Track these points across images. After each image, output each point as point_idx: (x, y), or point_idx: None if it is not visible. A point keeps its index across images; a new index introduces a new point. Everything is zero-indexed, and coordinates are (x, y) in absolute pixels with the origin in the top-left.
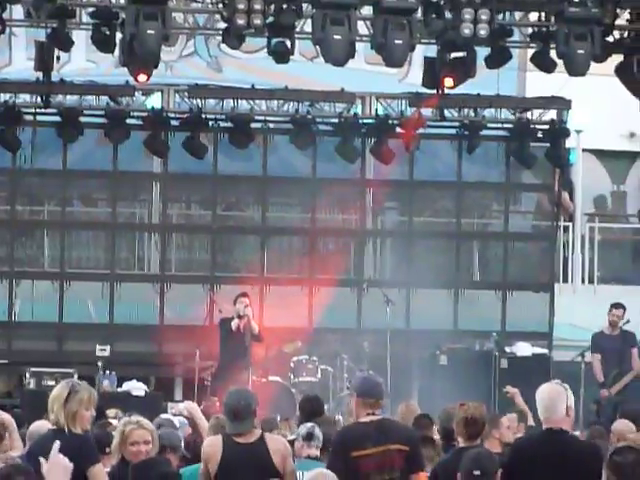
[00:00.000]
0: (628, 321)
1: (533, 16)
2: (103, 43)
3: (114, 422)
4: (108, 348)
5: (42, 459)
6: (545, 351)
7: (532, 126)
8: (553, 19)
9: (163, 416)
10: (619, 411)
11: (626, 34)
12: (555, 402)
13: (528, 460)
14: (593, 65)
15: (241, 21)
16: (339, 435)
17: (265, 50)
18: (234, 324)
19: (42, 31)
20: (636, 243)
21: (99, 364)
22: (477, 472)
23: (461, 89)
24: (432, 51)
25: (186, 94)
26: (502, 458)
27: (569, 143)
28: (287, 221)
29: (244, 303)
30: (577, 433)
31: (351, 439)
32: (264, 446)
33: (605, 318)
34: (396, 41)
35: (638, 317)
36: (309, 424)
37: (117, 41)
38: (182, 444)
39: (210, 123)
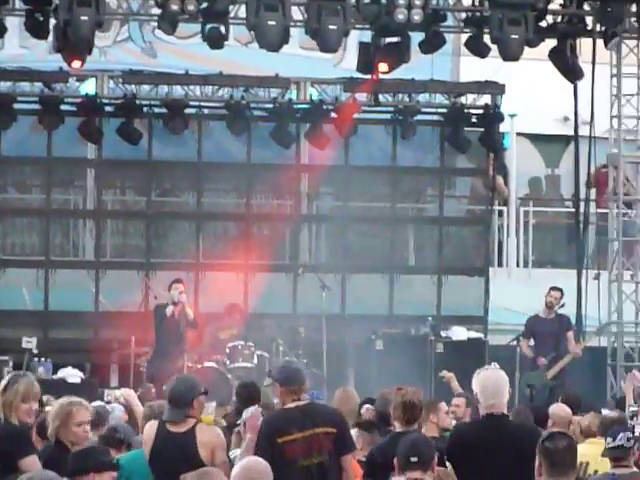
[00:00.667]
0: (563, 305)
1: (467, 1)
2: (36, 29)
3: (48, 409)
4: (34, 340)
5: None
6: (480, 335)
7: (466, 111)
8: (487, 4)
9: (97, 403)
10: (558, 395)
11: (559, 18)
12: (501, 388)
13: (471, 446)
14: (527, 50)
15: (175, 7)
16: (264, 422)
17: (199, 36)
18: (169, 310)
19: None
20: (570, 226)
21: (32, 352)
22: (414, 459)
23: (395, 74)
24: (367, 36)
25: (120, 80)
26: (439, 443)
27: (503, 127)
28: (222, 207)
29: (178, 289)
30: None
31: (276, 425)
32: (193, 437)
33: (539, 301)
34: (330, 26)
35: (573, 300)
36: (251, 409)
37: (51, 27)
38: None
39: (144, 109)
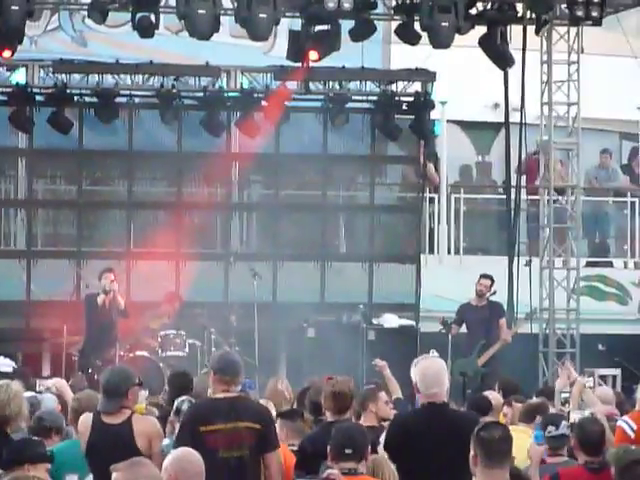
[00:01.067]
0: (495, 292)
1: None
2: None
3: None
4: None
5: None
6: (412, 322)
7: (397, 98)
8: None
9: (29, 394)
10: (490, 382)
11: (489, 5)
12: (442, 377)
13: (412, 435)
14: (457, 37)
15: None
16: (189, 409)
17: (130, 24)
18: (100, 300)
19: None
20: (501, 213)
21: None
22: (349, 450)
23: (326, 62)
24: (297, 24)
25: (51, 69)
26: (378, 432)
27: (434, 115)
28: (153, 195)
29: (109, 278)
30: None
31: (200, 414)
32: (129, 428)
33: (471, 289)
34: (260, 15)
35: (504, 287)
36: (181, 398)
37: None
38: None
39: (75, 98)
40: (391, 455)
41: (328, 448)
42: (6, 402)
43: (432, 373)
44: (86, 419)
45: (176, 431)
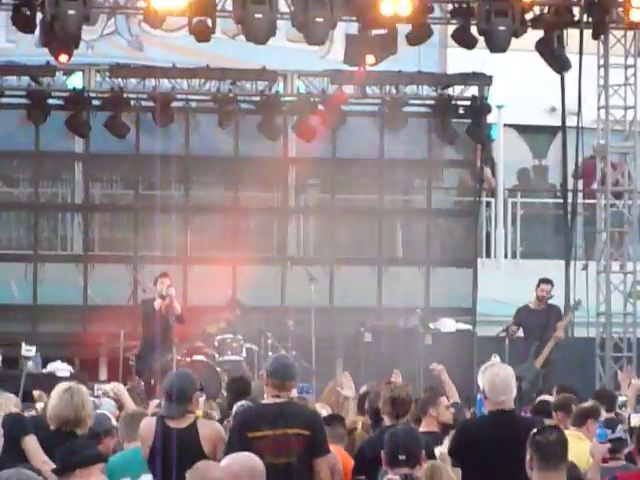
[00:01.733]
0: (552, 296)
1: None
2: (23, 23)
3: (38, 405)
4: (34, 349)
5: None
6: (469, 327)
7: (453, 102)
8: None
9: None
10: (551, 382)
11: (546, 10)
12: (510, 385)
13: (480, 442)
14: (513, 41)
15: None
16: (238, 415)
17: (186, 28)
18: (156, 305)
19: None
20: (557, 217)
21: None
22: (402, 457)
23: (383, 66)
24: (354, 28)
25: (107, 73)
26: (438, 437)
27: (490, 119)
28: (209, 199)
29: (165, 283)
30: None
31: (249, 420)
32: (195, 432)
33: (528, 293)
34: (317, 19)
35: (561, 291)
36: (239, 403)
37: (37, 21)
38: (114, 425)
39: (132, 102)
40: (457, 460)
41: (382, 454)
42: (81, 404)
43: (500, 381)
44: (149, 423)
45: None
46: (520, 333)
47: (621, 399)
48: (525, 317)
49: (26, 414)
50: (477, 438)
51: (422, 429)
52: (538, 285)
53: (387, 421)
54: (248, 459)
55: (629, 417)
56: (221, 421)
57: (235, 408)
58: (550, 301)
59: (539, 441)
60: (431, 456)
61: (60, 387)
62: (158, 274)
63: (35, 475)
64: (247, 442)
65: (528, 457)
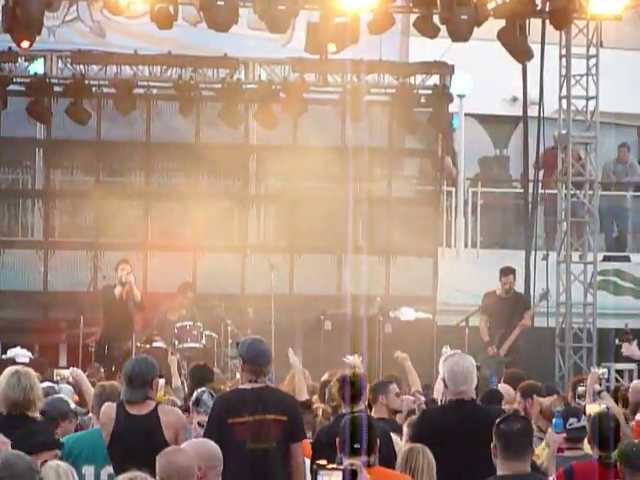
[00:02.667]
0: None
1: None
2: None
3: None
4: None
5: None
6: (429, 316)
7: (415, 91)
8: None
9: (46, 384)
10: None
11: None
12: (470, 374)
13: (440, 430)
14: (475, 30)
15: None
16: (217, 401)
17: (149, 15)
18: (117, 291)
19: None
20: (518, 207)
21: None
22: (357, 445)
23: (344, 54)
24: (316, 16)
25: (69, 60)
26: (388, 425)
27: (452, 108)
28: (170, 186)
29: (125, 270)
30: None
31: (228, 405)
32: (156, 419)
33: (488, 282)
34: (279, 7)
35: (521, 281)
36: (200, 389)
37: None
38: (72, 408)
39: (93, 89)
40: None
41: (337, 441)
42: (29, 387)
43: (460, 370)
44: (109, 409)
45: (194, 422)
46: None
47: (580, 389)
48: (492, 304)
49: None
50: (438, 426)
51: (373, 414)
52: (500, 278)
53: (343, 408)
54: (204, 444)
55: (584, 407)
56: (183, 408)
57: (196, 394)
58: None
59: (504, 430)
60: (383, 443)
61: (7, 371)
62: (118, 260)
63: (24, 454)
64: (227, 428)
65: (493, 445)
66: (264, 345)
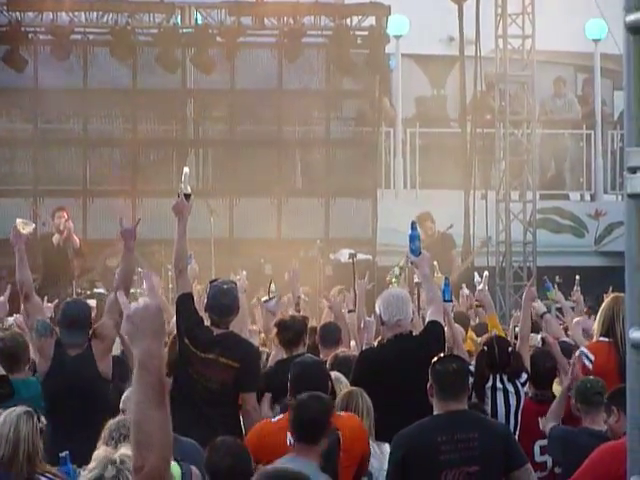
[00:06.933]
0: (452, 226)
1: None
2: None
3: None
4: None
5: None
6: (369, 257)
7: (351, 33)
8: None
9: None
10: None
11: None
12: (405, 305)
13: (381, 369)
14: None
15: None
16: (189, 332)
17: None
18: (55, 239)
19: None
20: (456, 147)
21: None
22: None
23: None
24: None
25: (5, 7)
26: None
27: (388, 49)
28: (108, 133)
29: (62, 217)
30: None
31: (195, 338)
32: (89, 351)
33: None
34: None
35: (460, 220)
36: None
37: None
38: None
39: (29, 36)
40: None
41: (289, 385)
42: None
43: (394, 300)
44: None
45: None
46: None
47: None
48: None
49: None
50: (377, 365)
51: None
52: (420, 227)
53: (281, 352)
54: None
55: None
56: None
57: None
58: (450, 231)
59: (439, 370)
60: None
61: None
62: (55, 208)
63: None
64: (188, 348)
65: (429, 385)
66: (226, 298)
